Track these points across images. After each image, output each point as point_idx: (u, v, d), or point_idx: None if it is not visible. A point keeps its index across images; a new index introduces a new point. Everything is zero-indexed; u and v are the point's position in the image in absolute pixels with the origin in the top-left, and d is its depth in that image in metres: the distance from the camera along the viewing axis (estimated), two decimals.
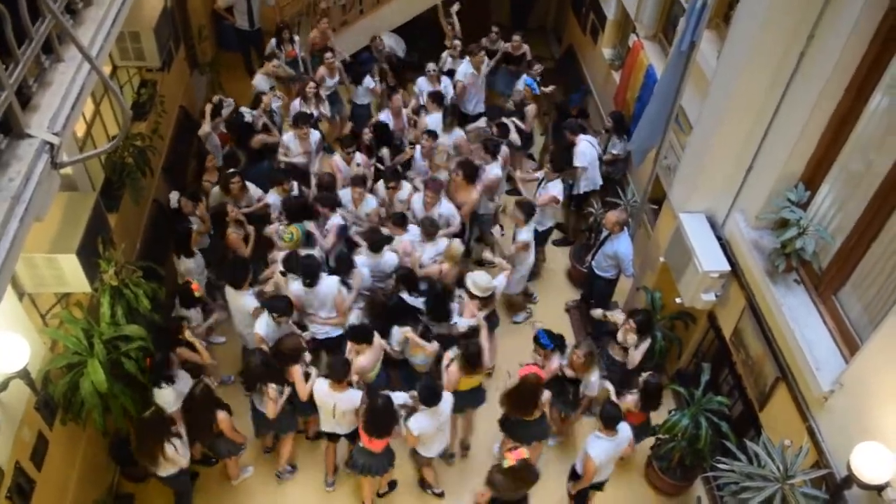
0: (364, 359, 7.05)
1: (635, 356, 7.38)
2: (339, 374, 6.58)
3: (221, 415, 6.70)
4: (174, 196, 8.39)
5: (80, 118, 6.49)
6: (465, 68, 10.62)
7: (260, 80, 10.26)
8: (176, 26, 10.21)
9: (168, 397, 6.67)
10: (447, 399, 6.75)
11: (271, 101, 9.89)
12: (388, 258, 8.03)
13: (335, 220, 8.34)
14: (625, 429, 6.51)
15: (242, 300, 7.41)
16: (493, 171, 9.14)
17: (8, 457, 5.46)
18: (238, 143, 9.63)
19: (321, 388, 6.69)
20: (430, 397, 6.55)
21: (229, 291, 7.49)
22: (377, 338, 7.16)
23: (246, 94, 10.96)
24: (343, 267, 7.71)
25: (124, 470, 7.49)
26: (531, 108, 10.32)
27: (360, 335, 7.06)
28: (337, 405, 6.70)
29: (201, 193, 8.60)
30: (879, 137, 5.70)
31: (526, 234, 8.38)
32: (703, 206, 7.45)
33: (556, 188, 8.87)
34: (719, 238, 7.27)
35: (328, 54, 10.49)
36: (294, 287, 7.46)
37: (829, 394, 5.62)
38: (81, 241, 5.80)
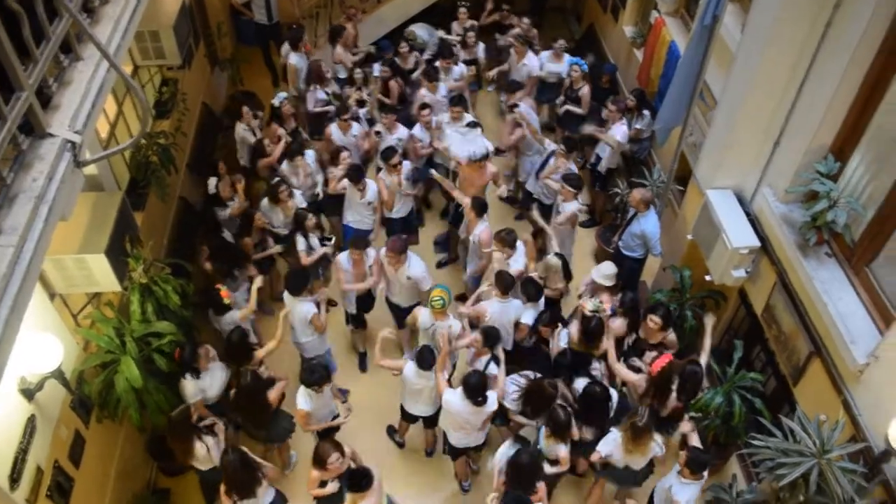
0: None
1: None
2: None
3: (272, 395, 6.73)
4: (212, 182, 8.46)
5: (101, 116, 6.54)
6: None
7: (297, 59, 10.17)
8: (195, 23, 10.23)
9: (189, 389, 6.66)
10: None
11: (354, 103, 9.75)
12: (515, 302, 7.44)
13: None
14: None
15: (300, 307, 7.35)
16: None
17: (47, 456, 5.55)
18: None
19: None
20: None
21: (287, 298, 7.39)
22: (377, 482, 5.96)
23: (266, 88, 10.96)
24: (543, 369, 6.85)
25: (161, 465, 7.59)
26: (586, 90, 10.13)
27: (357, 483, 5.84)
28: None
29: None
30: None
31: (572, 206, 8.32)
32: (730, 181, 7.34)
33: (573, 206, 8.43)
34: (748, 213, 7.16)
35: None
36: (457, 405, 6.55)
37: (864, 367, 5.53)
38: (109, 240, 5.85)
